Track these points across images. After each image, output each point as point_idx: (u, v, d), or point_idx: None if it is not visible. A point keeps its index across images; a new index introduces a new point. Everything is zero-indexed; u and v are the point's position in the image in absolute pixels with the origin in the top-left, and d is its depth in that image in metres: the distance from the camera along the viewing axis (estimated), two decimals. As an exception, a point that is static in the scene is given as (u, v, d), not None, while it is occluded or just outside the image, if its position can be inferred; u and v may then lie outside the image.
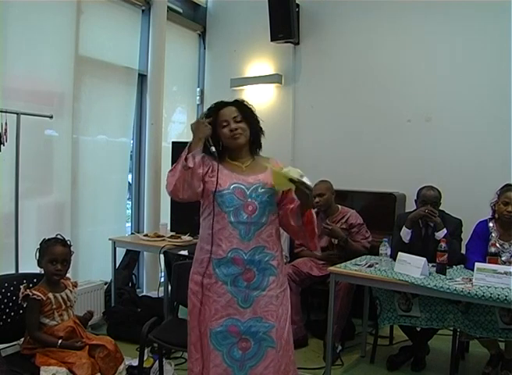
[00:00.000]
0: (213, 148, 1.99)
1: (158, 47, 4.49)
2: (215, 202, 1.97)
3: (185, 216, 4.00)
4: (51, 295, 2.35)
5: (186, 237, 3.77)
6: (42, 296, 2.31)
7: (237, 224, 1.96)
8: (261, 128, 2.11)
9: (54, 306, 2.35)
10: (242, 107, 2.07)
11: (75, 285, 2.55)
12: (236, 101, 2.10)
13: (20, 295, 2.32)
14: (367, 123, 4.44)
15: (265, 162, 2.08)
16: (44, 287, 2.37)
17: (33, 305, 2.31)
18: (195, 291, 2.04)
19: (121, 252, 4.11)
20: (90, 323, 2.73)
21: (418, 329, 3.23)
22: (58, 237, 2.48)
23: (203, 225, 2.07)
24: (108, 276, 3.94)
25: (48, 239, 2.46)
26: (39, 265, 2.43)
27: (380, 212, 3.99)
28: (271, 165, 2.03)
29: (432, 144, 4.15)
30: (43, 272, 2.44)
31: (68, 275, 2.51)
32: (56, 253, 2.40)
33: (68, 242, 2.49)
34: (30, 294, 2.30)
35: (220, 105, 2.08)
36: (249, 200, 1.97)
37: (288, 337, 2.06)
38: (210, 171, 2.01)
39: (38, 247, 2.44)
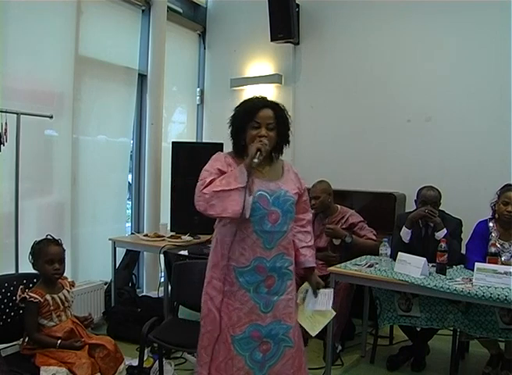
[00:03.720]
0: (256, 160, 1.89)
1: (158, 47, 4.49)
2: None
3: (185, 216, 4.02)
4: (48, 297, 2.35)
5: (186, 237, 3.77)
6: (39, 298, 2.31)
7: (261, 233, 1.95)
8: (288, 137, 2.08)
9: (52, 307, 2.34)
10: (279, 113, 2.03)
11: (72, 285, 2.55)
12: (277, 105, 2.05)
13: (18, 298, 2.31)
14: (367, 123, 4.44)
15: (280, 164, 2.11)
16: (41, 288, 2.36)
17: (30, 308, 2.30)
18: (213, 296, 2.02)
19: (121, 252, 4.11)
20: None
21: (418, 329, 3.23)
22: (49, 237, 2.47)
23: (222, 230, 2.05)
24: (108, 276, 3.94)
25: (39, 241, 2.44)
26: (34, 267, 2.42)
27: (380, 212, 3.99)
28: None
29: (431, 144, 4.15)
30: (39, 273, 2.43)
31: (65, 274, 2.51)
32: (52, 253, 2.39)
33: (59, 241, 2.48)
34: (27, 296, 2.29)
35: (261, 105, 2.02)
36: (272, 208, 1.96)
37: (299, 333, 2.14)
38: None
39: (30, 250, 2.42)
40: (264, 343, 2.01)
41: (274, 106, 2.03)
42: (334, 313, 2.21)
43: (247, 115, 1.99)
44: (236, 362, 1.98)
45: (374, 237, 3.60)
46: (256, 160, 1.89)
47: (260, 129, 1.98)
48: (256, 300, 1.98)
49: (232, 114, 2.08)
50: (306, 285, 2.26)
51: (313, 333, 2.16)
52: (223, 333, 1.98)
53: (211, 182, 1.91)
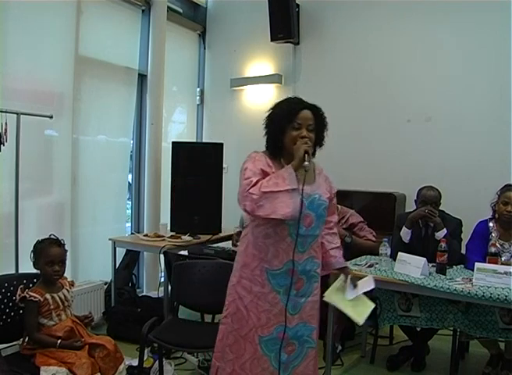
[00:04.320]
0: (307, 163, 1.88)
1: (158, 47, 4.49)
2: None
3: (185, 216, 4.02)
4: (48, 296, 2.35)
5: (186, 237, 3.76)
6: (39, 297, 2.31)
7: (296, 236, 1.94)
8: (323, 139, 2.07)
9: (51, 307, 2.34)
10: (318, 116, 2.02)
11: (72, 284, 2.54)
12: (315, 107, 2.04)
13: (17, 297, 2.31)
14: (367, 123, 4.44)
15: (312, 167, 2.09)
16: (41, 287, 2.36)
17: (30, 307, 2.30)
18: (242, 295, 2.03)
19: (121, 252, 4.11)
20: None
21: (418, 329, 3.23)
22: (52, 237, 2.47)
23: (255, 231, 2.02)
24: (108, 276, 3.94)
25: (42, 240, 2.44)
26: (35, 266, 2.42)
27: (380, 212, 3.99)
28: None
29: (431, 144, 4.15)
30: (40, 273, 2.43)
31: (65, 274, 2.51)
32: (53, 255, 2.39)
33: (62, 241, 2.48)
34: (27, 295, 2.29)
35: (302, 106, 2.00)
36: (307, 212, 1.95)
37: (317, 333, 2.16)
38: None
39: (33, 248, 2.42)
40: (290, 344, 2.02)
41: (313, 108, 2.02)
42: (373, 305, 2.21)
43: (288, 116, 1.96)
44: (262, 362, 2.00)
45: (373, 238, 3.61)
46: (306, 163, 1.87)
47: (301, 130, 1.96)
48: (285, 302, 1.98)
49: (268, 115, 2.05)
50: (342, 277, 2.24)
51: (361, 321, 2.12)
52: (251, 332, 2.00)
53: (257, 182, 1.88)
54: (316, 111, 2.02)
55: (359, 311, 2.13)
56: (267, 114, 2.06)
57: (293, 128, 1.96)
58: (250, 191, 1.86)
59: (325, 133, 2.06)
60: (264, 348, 1.99)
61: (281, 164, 2.01)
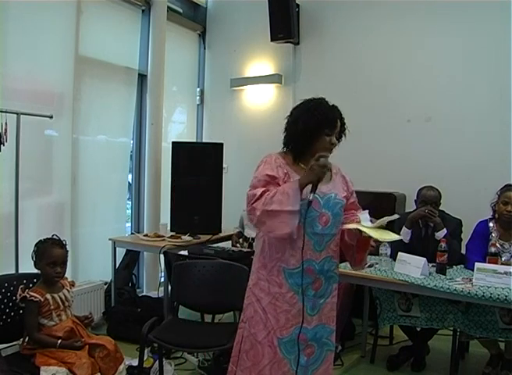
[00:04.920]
0: (311, 196, 1.85)
1: (158, 47, 4.49)
2: None
3: (185, 216, 4.02)
4: (48, 296, 2.34)
5: (186, 237, 3.76)
6: (40, 297, 2.31)
7: (312, 235, 1.94)
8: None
9: (52, 307, 2.34)
10: (342, 123, 2.06)
11: (72, 284, 2.54)
12: (342, 115, 2.05)
13: (18, 297, 2.31)
14: (367, 123, 4.43)
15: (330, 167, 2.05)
16: (41, 287, 2.36)
17: (31, 307, 2.30)
18: (260, 297, 2.00)
19: (121, 252, 4.11)
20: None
21: (418, 329, 3.23)
22: (55, 237, 2.46)
23: None
24: (108, 276, 3.94)
25: (45, 240, 2.44)
26: (36, 266, 2.41)
27: (380, 212, 3.96)
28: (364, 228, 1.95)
29: (432, 144, 4.15)
30: (40, 273, 2.43)
31: (66, 275, 2.50)
32: (55, 256, 2.38)
33: (64, 242, 2.47)
34: (28, 295, 2.29)
35: (338, 115, 2.03)
36: (323, 211, 1.96)
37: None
38: (287, 178, 1.95)
39: (34, 248, 2.42)
40: (309, 346, 2.00)
41: (341, 117, 2.05)
42: (398, 236, 2.06)
43: (330, 123, 1.98)
44: (282, 365, 1.96)
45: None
46: (311, 197, 1.85)
47: (332, 136, 1.99)
48: (303, 302, 1.95)
49: (299, 114, 2.02)
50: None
51: (381, 239, 2.00)
52: (269, 335, 1.96)
53: (262, 194, 1.87)
54: (343, 119, 2.06)
55: (380, 234, 1.98)
56: (296, 113, 2.03)
57: (326, 134, 1.97)
58: (254, 205, 1.88)
59: (340, 141, 2.10)
60: (284, 351, 1.95)
61: (299, 166, 1.99)
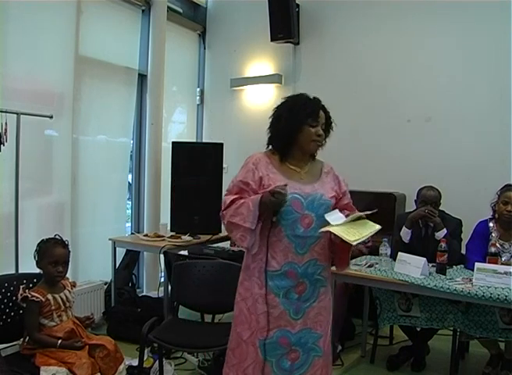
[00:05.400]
0: (275, 219, 1.86)
1: (158, 47, 4.49)
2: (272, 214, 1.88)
3: (185, 216, 4.02)
4: (50, 296, 2.34)
5: (186, 237, 3.76)
6: (41, 297, 2.31)
7: (293, 238, 1.90)
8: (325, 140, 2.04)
9: (53, 307, 2.34)
10: (328, 117, 2.01)
11: (73, 285, 2.54)
12: (325, 107, 2.01)
13: (19, 297, 2.31)
14: (367, 123, 4.44)
15: (319, 165, 2.05)
16: (42, 288, 2.36)
17: (32, 307, 2.30)
18: (245, 297, 1.99)
19: (121, 252, 4.11)
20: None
21: (418, 329, 3.23)
22: (57, 237, 2.47)
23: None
24: (108, 276, 3.94)
25: (47, 240, 2.44)
26: (38, 266, 2.41)
27: (380, 212, 3.96)
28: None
29: (431, 144, 4.15)
30: (42, 272, 2.43)
31: (67, 275, 2.51)
32: (57, 255, 2.39)
33: (66, 242, 2.48)
34: (29, 295, 2.29)
35: (319, 106, 1.98)
36: (306, 212, 1.90)
37: (329, 342, 2.07)
38: (266, 182, 1.91)
39: (37, 247, 2.42)
40: (293, 351, 1.95)
41: (324, 109, 2.01)
42: (377, 226, 1.93)
43: (311, 114, 1.93)
44: (264, 367, 1.94)
45: (364, 250, 3.60)
46: (274, 220, 1.86)
47: (317, 128, 1.94)
48: (285, 306, 1.92)
49: (280, 111, 1.98)
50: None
51: (353, 242, 1.80)
52: (252, 336, 1.95)
53: (232, 202, 1.89)
54: (327, 112, 2.01)
55: (354, 231, 1.83)
56: (278, 111, 2.00)
57: (310, 126, 1.93)
58: (224, 212, 1.91)
59: (329, 134, 2.04)
60: (265, 353, 1.92)
61: (286, 166, 1.97)
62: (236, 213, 1.87)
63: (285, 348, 1.94)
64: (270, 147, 2.03)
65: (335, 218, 1.87)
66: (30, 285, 2.42)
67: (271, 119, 2.02)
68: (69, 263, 2.48)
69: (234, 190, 1.95)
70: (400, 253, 2.94)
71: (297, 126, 1.93)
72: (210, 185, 4.07)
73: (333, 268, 3.04)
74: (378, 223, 1.97)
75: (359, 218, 1.91)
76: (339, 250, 1.99)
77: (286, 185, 1.84)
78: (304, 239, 1.91)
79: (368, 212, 1.93)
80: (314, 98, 2.01)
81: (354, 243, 1.79)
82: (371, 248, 3.63)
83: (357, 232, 1.83)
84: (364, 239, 1.82)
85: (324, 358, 2.03)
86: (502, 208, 2.99)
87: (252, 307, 1.95)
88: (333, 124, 2.02)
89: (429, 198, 3.14)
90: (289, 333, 1.93)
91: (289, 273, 1.91)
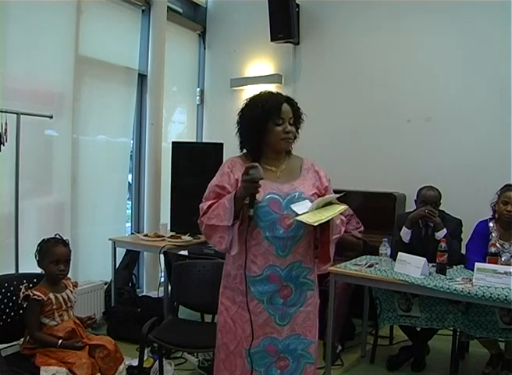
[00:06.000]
0: (251, 212, 1.75)
1: (158, 47, 4.49)
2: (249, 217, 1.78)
3: (185, 216, 4.01)
4: (51, 295, 2.35)
5: (186, 237, 3.77)
6: (43, 296, 2.31)
7: (273, 239, 1.80)
8: (298, 133, 1.95)
9: (54, 306, 2.35)
10: (295, 109, 1.90)
11: (75, 285, 2.55)
12: (291, 99, 1.91)
13: (21, 295, 2.31)
14: (367, 123, 4.44)
15: (298, 162, 1.96)
16: (44, 287, 2.37)
17: (33, 306, 2.31)
18: (227, 306, 1.90)
19: (121, 252, 4.11)
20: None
21: (418, 329, 3.23)
22: (58, 237, 2.48)
23: None
24: (108, 276, 3.94)
25: (48, 239, 2.45)
26: (39, 265, 2.42)
27: (380, 212, 3.99)
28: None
29: (431, 144, 4.15)
30: (43, 272, 2.43)
31: (68, 275, 2.51)
32: (58, 254, 2.39)
33: (67, 241, 2.49)
34: (31, 294, 2.29)
35: (282, 100, 1.87)
36: (285, 212, 1.80)
37: (317, 348, 1.99)
38: (236, 186, 1.84)
39: (38, 247, 2.43)
40: (282, 359, 1.86)
41: (290, 101, 1.90)
42: (342, 206, 1.84)
43: (271, 111, 1.83)
44: None
45: (358, 235, 3.61)
46: (251, 212, 1.74)
47: (284, 125, 1.84)
48: (270, 311, 1.83)
49: (243, 114, 1.90)
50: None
51: (314, 222, 1.72)
52: (239, 346, 1.86)
53: (208, 208, 1.84)
54: (293, 103, 1.91)
55: (319, 215, 1.75)
56: (241, 114, 1.91)
57: (275, 124, 1.84)
58: (202, 218, 1.85)
59: (300, 126, 1.94)
60: (253, 363, 1.83)
61: (264, 168, 1.82)
62: (213, 215, 1.80)
63: (273, 357, 1.85)
64: (244, 150, 1.96)
65: (302, 208, 1.78)
66: (31, 285, 2.42)
67: (236, 123, 1.93)
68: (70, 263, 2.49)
69: (211, 196, 1.88)
70: (399, 253, 2.94)
71: (262, 126, 1.84)
72: (210, 185, 4.07)
73: (332, 268, 3.06)
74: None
75: (329, 203, 1.83)
76: (320, 245, 1.90)
77: (257, 165, 1.74)
78: (284, 240, 1.81)
79: (337, 195, 1.85)
80: (276, 93, 1.94)
81: (315, 224, 1.71)
82: (363, 233, 3.67)
83: (321, 215, 1.75)
84: (326, 220, 1.73)
85: (315, 365, 1.96)
86: (502, 208, 2.99)
87: (235, 316, 1.87)
88: (303, 115, 1.93)
89: (429, 198, 3.14)
90: (276, 341, 1.85)
91: (272, 276, 1.82)
